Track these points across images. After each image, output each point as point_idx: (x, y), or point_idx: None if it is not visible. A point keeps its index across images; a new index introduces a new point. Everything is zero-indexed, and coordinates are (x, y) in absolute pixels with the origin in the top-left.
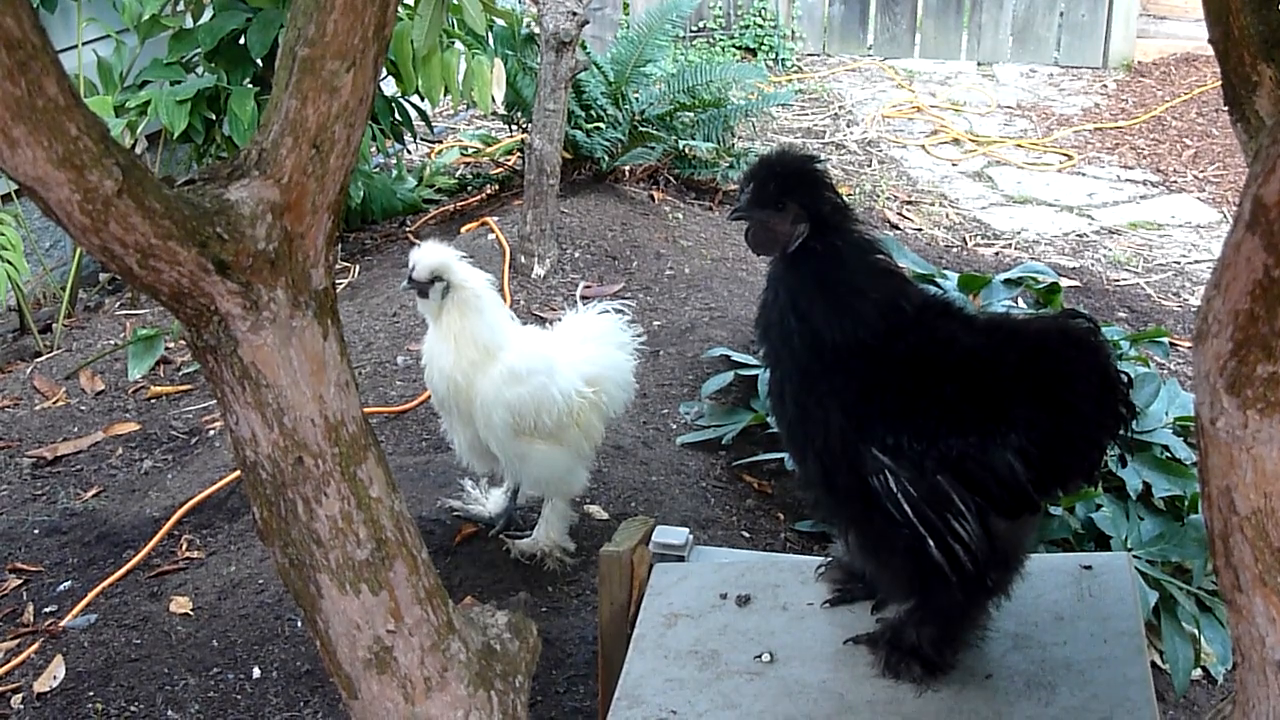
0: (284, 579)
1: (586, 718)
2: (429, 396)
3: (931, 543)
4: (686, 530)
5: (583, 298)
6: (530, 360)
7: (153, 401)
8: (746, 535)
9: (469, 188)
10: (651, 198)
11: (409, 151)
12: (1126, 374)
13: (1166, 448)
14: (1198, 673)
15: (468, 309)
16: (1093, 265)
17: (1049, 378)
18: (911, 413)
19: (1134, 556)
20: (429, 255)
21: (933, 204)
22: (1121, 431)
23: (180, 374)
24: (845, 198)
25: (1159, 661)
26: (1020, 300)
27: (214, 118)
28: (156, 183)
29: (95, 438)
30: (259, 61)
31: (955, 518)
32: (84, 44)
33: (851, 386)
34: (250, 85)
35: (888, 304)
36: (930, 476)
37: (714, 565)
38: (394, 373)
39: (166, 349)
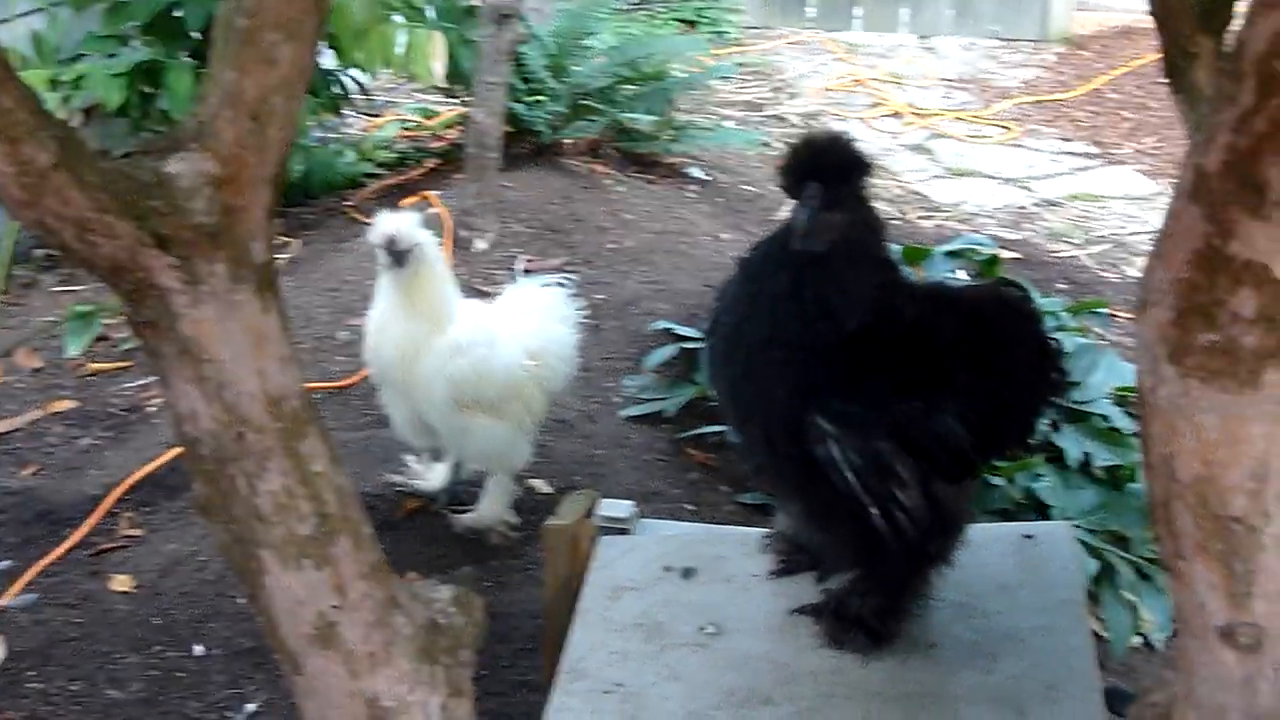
0: (226, 555)
1: (532, 691)
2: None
3: (875, 511)
4: (631, 503)
5: (525, 271)
6: (472, 333)
7: (91, 379)
8: (691, 508)
9: (409, 161)
10: (593, 171)
11: (348, 125)
12: (1059, 341)
13: (1106, 418)
14: (1137, 640)
15: (432, 280)
16: (1032, 237)
17: (986, 345)
18: (860, 381)
19: (1074, 526)
20: (407, 223)
21: (874, 176)
22: (1055, 398)
23: (119, 351)
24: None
25: (1099, 629)
26: (961, 272)
27: (150, 91)
28: (93, 156)
29: (33, 415)
30: (195, 35)
31: (899, 485)
32: (18, 17)
33: (804, 357)
34: (187, 59)
35: (881, 289)
36: (875, 443)
37: (658, 538)
38: (335, 348)
39: (104, 326)
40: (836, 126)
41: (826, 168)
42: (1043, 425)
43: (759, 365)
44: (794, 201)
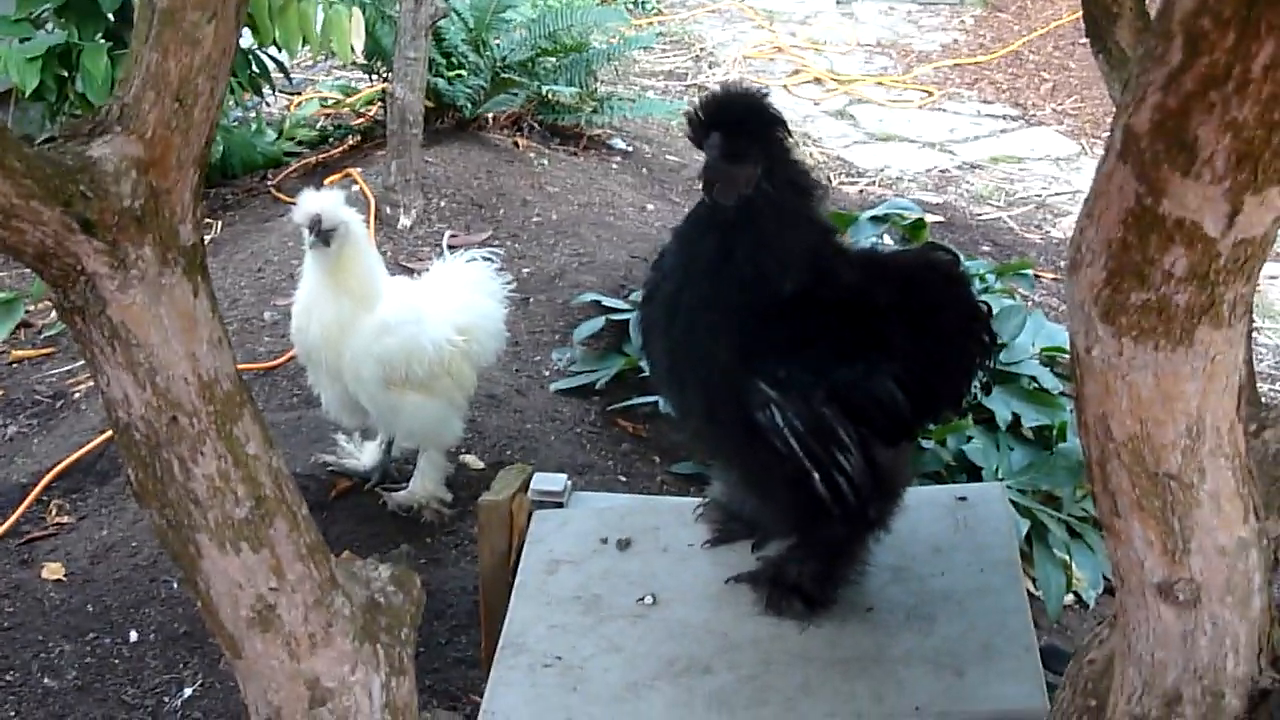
0: (162, 540)
1: (470, 667)
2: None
3: (817, 476)
4: (564, 476)
5: (449, 247)
6: (400, 310)
7: (14, 366)
8: (624, 479)
9: (331, 139)
10: (516, 145)
11: (268, 104)
12: (987, 304)
13: (1034, 379)
14: (1070, 598)
15: (358, 259)
16: (956, 200)
17: (920, 309)
18: (800, 345)
19: (1006, 486)
20: (332, 202)
21: (797, 143)
22: (986, 360)
23: (42, 337)
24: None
25: (1032, 588)
26: (887, 237)
27: (66, 75)
28: (15, 141)
29: None
30: (111, 16)
31: (839, 449)
32: None
33: (742, 321)
34: (103, 41)
35: (815, 251)
36: (817, 408)
37: (593, 510)
38: (261, 328)
39: (27, 312)
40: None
41: (728, 118)
42: (974, 387)
43: (699, 330)
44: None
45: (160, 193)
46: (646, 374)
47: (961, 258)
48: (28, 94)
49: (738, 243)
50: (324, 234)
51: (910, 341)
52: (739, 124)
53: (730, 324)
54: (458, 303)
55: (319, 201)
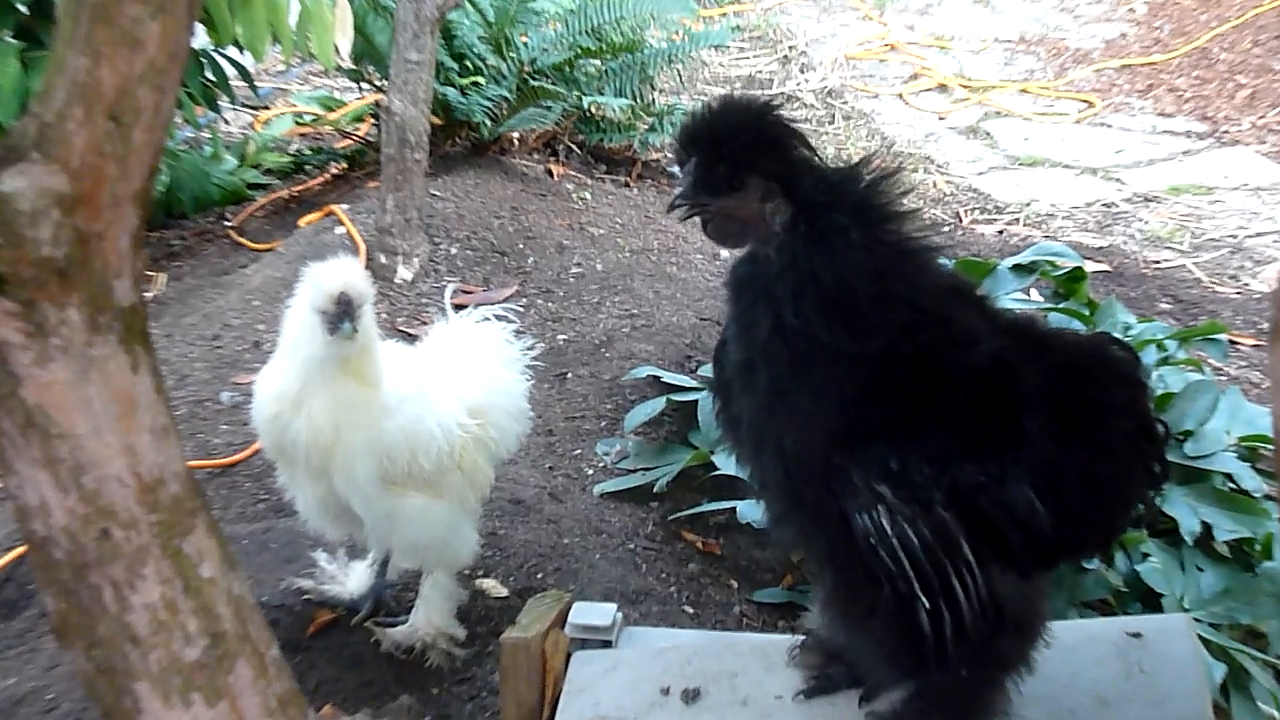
0: (89, 689)
1: None
2: (260, 444)
3: (926, 603)
4: (613, 607)
5: (456, 306)
6: (401, 388)
7: None
8: (690, 610)
9: (308, 167)
10: (549, 173)
11: (226, 122)
12: (1164, 423)
13: (1229, 476)
14: None
15: (369, 338)
16: (1125, 243)
17: (1078, 406)
18: (919, 427)
19: (1194, 619)
20: (358, 276)
21: (916, 170)
22: (1151, 493)
23: None
24: (818, 152)
25: None
26: (1034, 292)
27: None
28: None
29: None
30: (24, 8)
31: (960, 570)
32: None
33: (840, 391)
34: (13, 40)
35: (905, 297)
36: (938, 515)
37: (651, 651)
38: (217, 413)
39: None
40: (864, 106)
41: (707, 138)
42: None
43: (777, 395)
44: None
45: (90, 238)
46: (721, 472)
47: (1142, 360)
48: None
49: (780, 296)
50: (348, 315)
51: (1058, 446)
52: (716, 145)
53: (816, 397)
54: (468, 375)
55: (342, 275)
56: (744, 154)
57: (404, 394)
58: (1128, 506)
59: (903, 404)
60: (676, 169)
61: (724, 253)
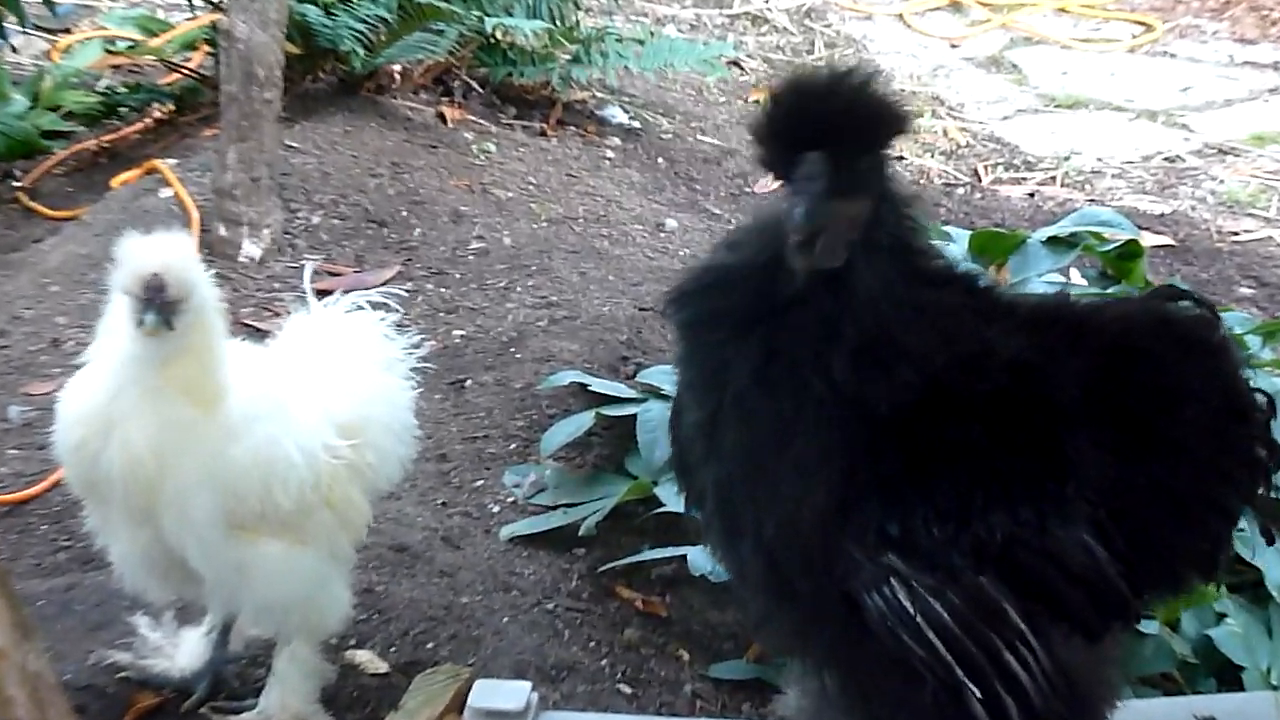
0: None
1: None
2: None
3: (976, 691)
4: (527, 685)
5: (320, 292)
6: (250, 402)
7: None
8: (628, 689)
9: (122, 110)
10: (442, 118)
11: (14, 50)
12: (1265, 393)
13: None
14: None
15: (207, 343)
16: (1193, 209)
17: (1138, 400)
18: (924, 479)
19: None
20: (179, 256)
21: (920, 112)
22: (1259, 489)
23: None
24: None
25: None
26: (1076, 272)
27: None
28: None
29: None
30: None
31: (1011, 643)
32: None
33: (836, 459)
34: None
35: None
36: (968, 580)
37: None
38: (4, 434)
39: None
40: (854, 29)
41: (835, 128)
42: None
43: (765, 460)
44: (781, 183)
45: None
46: (664, 509)
47: (1217, 313)
48: None
49: (830, 326)
50: (167, 308)
51: (1116, 462)
52: (855, 139)
53: (802, 470)
54: (337, 383)
55: (158, 254)
56: (886, 144)
57: (253, 410)
58: (1229, 517)
59: (901, 453)
60: (771, 177)
61: (669, 221)
